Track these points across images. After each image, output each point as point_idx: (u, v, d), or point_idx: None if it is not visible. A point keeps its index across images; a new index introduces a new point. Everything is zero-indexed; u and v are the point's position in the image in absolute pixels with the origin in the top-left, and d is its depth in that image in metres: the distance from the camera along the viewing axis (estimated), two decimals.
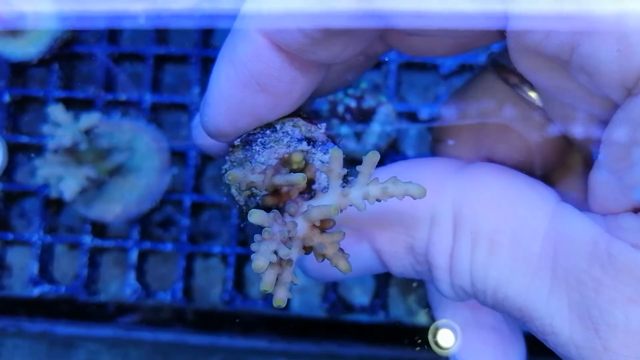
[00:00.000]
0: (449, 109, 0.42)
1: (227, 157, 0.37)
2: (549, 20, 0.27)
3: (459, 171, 0.33)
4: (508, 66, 0.39)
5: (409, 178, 0.32)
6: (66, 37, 0.85)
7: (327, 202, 0.32)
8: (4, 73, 0.87)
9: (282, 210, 0.33)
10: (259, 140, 0.35)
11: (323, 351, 0.77)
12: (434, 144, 0.44)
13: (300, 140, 0.35)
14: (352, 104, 0.78)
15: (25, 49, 0.84)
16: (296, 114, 0.36)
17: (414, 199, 0.30)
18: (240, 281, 0.82)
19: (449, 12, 0.28)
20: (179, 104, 0.86)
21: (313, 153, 0.35)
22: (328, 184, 0.33)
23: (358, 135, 0.78)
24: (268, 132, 0.35)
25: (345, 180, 0.33)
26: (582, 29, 0.26)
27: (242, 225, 0.78)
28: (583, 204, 0.31)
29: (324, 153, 0.35)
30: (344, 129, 0.78)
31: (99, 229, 0.84)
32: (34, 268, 0.82)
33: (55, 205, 0.85)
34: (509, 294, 0.30)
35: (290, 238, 0.32)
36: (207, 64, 0.87)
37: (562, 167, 0.42)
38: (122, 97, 0.86)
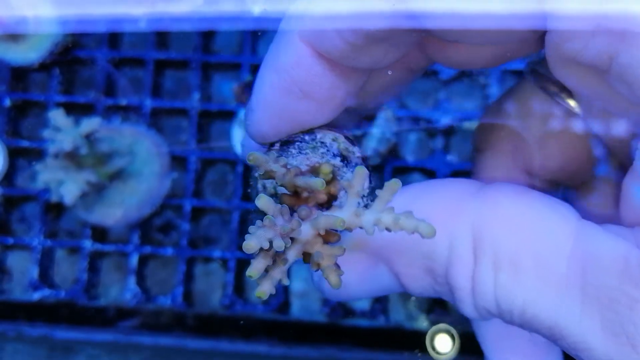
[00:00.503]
0: (488, 119, 0.42)
1: (265, 153, 0.38)
2: (588, 21, 0.26)
3: (477, 193, 0.33)
4: (547, 75, 0.38)
5: (428, 200, 0.33)
6: (67, 42, 0.85)
7: (339, 215, 0.32)
8: (4, 77, 0.87)
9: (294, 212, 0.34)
10: (297, 144, 0.36)
11: (323, 356, 0.77)
12: (474, 153, 0.44)
13: (335, 155, 0.35)
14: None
15: (26, 54, 0.85)
16: (339, 130, 0.37)
17: (422, 237, 0.30)
18: (240, 286, 0.82)
19: (484, 12, 0.28)
20: (179, 109, 0.86)
21: (343, 171, 0.35)
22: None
23: (358, 140, 0.79)
24: (307, 138, 0.36)
25: (371, 198, 0.33)
26: (621, 38, 0.26)
27: None
28: (612, 214, 0.31)
29: (348, 169, 0.35)
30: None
31: (99, 233, 0.84)
32: (34, 272, 0.82)
33: (55, 210, 0.85)
34: (537, 314, 0.30)
35: (292, 238, 0.32)
36: (207, 70, 0.87)
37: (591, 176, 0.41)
38: (123, 101, 0.86)
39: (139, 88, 0.87)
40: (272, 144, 0.37)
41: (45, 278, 0.83)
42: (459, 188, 0.34)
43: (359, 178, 0.32)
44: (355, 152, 0.36)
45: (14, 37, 0.84)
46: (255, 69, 0.85)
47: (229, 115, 0.85)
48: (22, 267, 0.84)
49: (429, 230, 0.30)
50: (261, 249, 0.30)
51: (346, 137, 0.36)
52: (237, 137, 0.83)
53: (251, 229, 0.30)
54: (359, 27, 0.30)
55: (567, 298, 0.29)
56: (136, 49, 0.89)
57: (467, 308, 0.33)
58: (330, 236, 0.32)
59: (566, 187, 0.42)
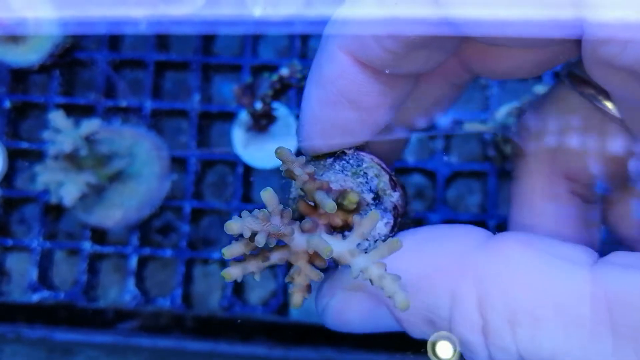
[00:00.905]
0: (526, 124, 0.42)
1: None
2: (627, 30, 0.26)
3: (481, 247, 0.32)
4: (583, 77, 0.38)
5: (431, 252, 0.33)
6: (67, 44, 0.85)
7: (333, 244, 0.32)
8: (4, 79, 0.87)
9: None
10: (343, 163, 0.36)
11: (322, 358, 0.77)
12: (513, 160, 0.43)
13: (370, 191, 0.35)
14: None
15: (26, 56, 0.85)
16: (389, 168, 0.37)
17: (394, 307, 0.30)
18: (239, 287, 0.82)
19: (521, 20, 0.28)
20: (179, 111, 0.86)
21: (370, 209, 0.35)
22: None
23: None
24: (353, 162, 0.36)
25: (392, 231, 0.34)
26: None
27: None
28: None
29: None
30: None
31: (99, 235, 0.84)
32: (34, 274, 0.82)
33: (55, 211, 0.85)
34: None
35: (285, 244, 0.32)
36: (207, 71, 0.87)
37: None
38: (123, 103, 0.86)
39: (139, 90, 0.87)
40: (323, 157, 0.37)
41: (45, 280, 0.83)
42: (463, 240, 0.33)
43: (369, 222, 0.32)
44: (392, 197, 0.36)
45: (14, 39, 0.84)
46: (255, 71, 0.85)
47: (229, 117, 0.85)
48: (22, 268, 0.84)
49: (403, 304, 0.30)
50: (243, 236, 0.30)
51: (391, 179, 0.36)
52: (237, 138, 0.83)
53: (244, 213, 0.30)
54: (398, 35, 0.30)
55: (597, 341, 0.28)
56: (136, 51, 0.89)
57: (479, 358, 0.32)
58: (316, 258, 0.33)
59: (606, 191, 0.42)
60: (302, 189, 0.33)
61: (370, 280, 0.31)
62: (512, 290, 0.30)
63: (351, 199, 0.34)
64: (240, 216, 0.30)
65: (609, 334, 0.28)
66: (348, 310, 0.36)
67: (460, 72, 0.37)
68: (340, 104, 0.33)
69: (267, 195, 0.31)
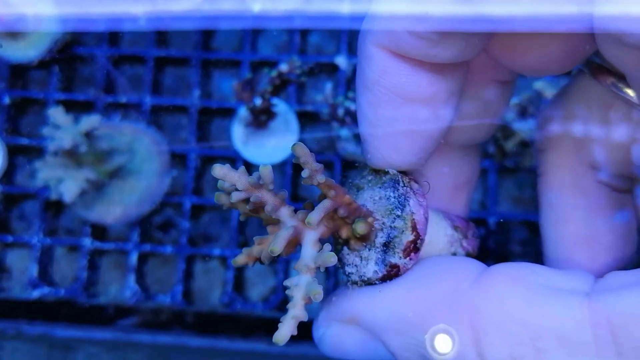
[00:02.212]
0: (548, 117, 0.41)
1: (357, 166, 0.37)
2: (634, 22, 0.26)
3: (473, 285, 0.32)
4: (602, 65, 0.37)
5: (424, 289, 0.32)
6: (66, 40, 0.85)
7: (304, 251, 0.33)
8: (4, 75, 0.87)
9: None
10: (387, 193, 0.34)
11: (322, 354, 0.77)
12: (537, 153, 0.43)
13: (386, 236, 0.34)
14: (352, 107, 0.78)
15: (26, 51, 0.84)
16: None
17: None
18: (239, 284, 0.82)
19: (542, 16, 0.27)
20: (179, 107, 0.86)
21: (369, 246, 0.34)
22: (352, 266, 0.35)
23: (357, 137, 0.78)
24: (396, 199, 0.34)
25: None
26: None
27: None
28: None
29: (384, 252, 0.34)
30: (344, 132, 0.78)
31: (99, 231, 0.84)
32: (34, 270, 0.82)
33: (55, 208, 0.85)
34: None
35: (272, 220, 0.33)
36: (207, 67, 0.87)
37: None
38: (123, 99, 0.86)
39: (138, 85, 0.87)
40: (382, 173, 0.35)
41: (45, 276, 0.83)
42: (457, 276, 0.33)
43: (323, 260, 0.32)
44: (400, 259, 0.34)
45: (14, 35, 0.84)
46: (255, 66, 0.85)
47: (229, 113, 0.85)
48: (22, 265, 0.84)
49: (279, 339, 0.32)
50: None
51: (414, 243, 0.34)
52: (237, 134, 0.83)
53: (237, 170, 0.33)
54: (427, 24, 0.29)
55: None
56: (136, 47, 0.88)
57: None
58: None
59: (634, 179, 0.41)
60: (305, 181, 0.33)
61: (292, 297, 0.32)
62: (510, 326, 0.30)
63: (358, 230, 0.33)
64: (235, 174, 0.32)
65: (615, 357, 0.28)
66: (344, 341, 0.36)
67: (497, 68, 0.37)
68: (392, 101, 0.32)
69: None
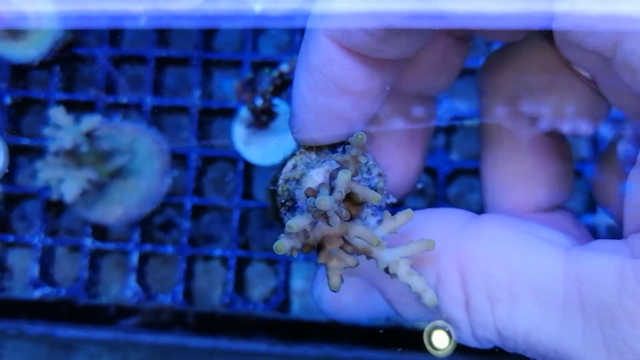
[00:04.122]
0: (492, 67, 0.42)
1: (301, 146, 0.38)
2: (593, 20, 0.27)
3: (462, 228, 0.34)
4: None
5: (418, 232, 0.34)
6: (67, 39, 0.85)
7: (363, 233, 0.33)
8: (5, 75, 0.87)
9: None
10: (345, 149, 0.36)
11: (323, 354, 0.77)
12: (480, 104, 0.44)
13: (371, 188, 0.35)
14: None
15: (27, 51, 0.84)
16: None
17: (425, 304, 0.32)
18: (240, 284, 0.82)
19: (498, 12, 0.28)
20: (180, 107, 0.86)
21: (367, 205, 0.36)
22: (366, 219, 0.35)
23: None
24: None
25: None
26: (625, 24, 0.26)
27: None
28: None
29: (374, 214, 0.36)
30: None
31: (100, 231, 0.84)
32: (35, 270, 0.82)
33: (56, 208, 0.85)
34: (541, 339, 0.30)
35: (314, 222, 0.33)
36: (208, 67, 0.87)
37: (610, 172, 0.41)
38: (123, 99, 0.86)
39: (139, 85, 0.87)
40: (322, 148, 0.37)
41: (46, 276, 0.83)
42: (448, 222, 0.35)
43: (405, 217, 0.33)
44: (388, 198, 0.37)
45: (14, 34, 0.84)
46: (256, 67, 0.85)
47: (229, 113, 0.85)
48: (23, 265, 0.84)
49: (432, 301, 0.32)
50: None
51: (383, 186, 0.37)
52: (238, 134, 0.83)
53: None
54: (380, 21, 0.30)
55: (568, 320, 0.29)
56: (137, 47, 0.88)
57: (466, 337, 0.34)
58: (347, 245, 0.33)
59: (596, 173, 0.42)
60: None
61: (395, 275, 0.32)
62: (492, 268, 0.31)
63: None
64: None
65: (579, 314, 0.29)
66: (342, 294, 0.37)
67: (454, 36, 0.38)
68: (329, 90, 0.33)
69: (358, 140, 0.32)
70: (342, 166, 0.34)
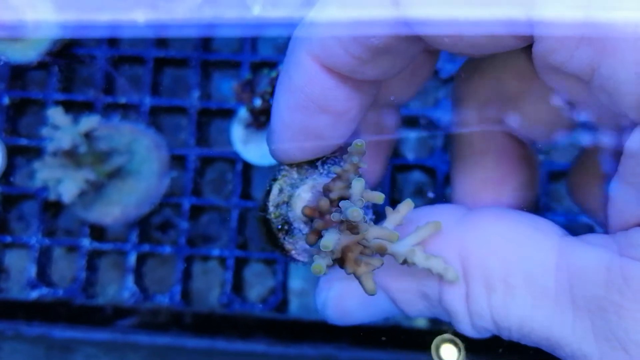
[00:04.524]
0: (464, 73, 0.43)
1: (281, 168, 0.39)
2: (572, 28, 0.28)
3: (460, 220, 0.35)
4: None
5: (419, 224, 0.35)
6: (66, 40, 0.85)
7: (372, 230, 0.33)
8: (3, 75, 0.87)
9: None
10: (327, 167, 0.37)
11: (321, 355, 0.76)
12: (453, 104, 0.45)
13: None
14: None
15: (25, 52, 0.84)
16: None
17: (448, 281, 0.33)
18: (238, 284, 0.82)
19: (475, 19, 0.29)
20: (178, 107, 0.86)
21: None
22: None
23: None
24: (336, 165, 0.37)
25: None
26: (602, 49, 0.27)
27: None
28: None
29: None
30: None
31: (98, 231, 0.84)
32: (32, 271, 0.82)
33: (53, 208, 0.85)
34: (534, 328, 0.32)
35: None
36: (206, 68, 0.87)
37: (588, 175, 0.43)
38: (122, 100, 0.86)
39: (138, 86, 0.87)
40: (301, 164, 0.38)
41: (43, 277, 0.83)
42: (444, 216, 0.36)
43: (406, 207, 0.34)
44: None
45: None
46: (255, 67, 0.85)
47: (228, 114, 0.85)
48: (20, 265, 0.84)
49: (455, 276, 0.33)
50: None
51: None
52: (237, 135, 0.83)
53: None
54: (362, 40, 0.31)
55: (559, 311, 0.31)
56: (135, 47, 0.88)
57: (465, 328, 0.35)
58: (365, 249, 0.34)
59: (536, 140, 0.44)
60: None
61: (414, 263, 0.33)
62: (489, 259, 0.33)
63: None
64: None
65: (570, 306, 0.31)
66: (346, 298, 0.38)
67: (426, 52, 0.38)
68: (309, 109, 0.34)
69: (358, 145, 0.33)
70: (341, 176, 0.34)
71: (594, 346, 0.30)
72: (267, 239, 0.39)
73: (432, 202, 0.82)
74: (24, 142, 0.85)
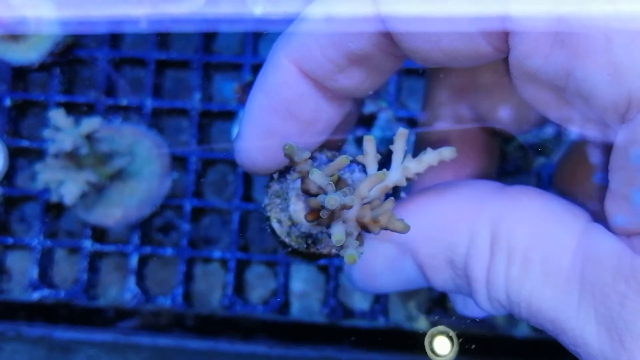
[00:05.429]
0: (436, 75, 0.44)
1: (267, 191, 0.40)
2: (546, 22, 0.28)
3: (498, 192, 0.35)
4: None
5: (453, 196, 0.35)
6: (67, 42, 0.85)
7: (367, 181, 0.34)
8: (5, 77, 0.87)
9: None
10: (291, 171, 0.38)
11: (322, 357, 0.77)
12: (427, 90, 0.45)
13: (328, 162, 0.38)
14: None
15: (27, 54, 0.85)
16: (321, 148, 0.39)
17: (446, 161, 0.33)
18: (240, 286, 0.82)
19: (449, 16, 0.29)
20: (179, 109, 0.86)
21: (341, 173, 0.37)
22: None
23: (359, 141, 0.79)
24: (322, 162, 0.38)
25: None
26: (576, 53, 0.27)
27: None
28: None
29: (351, 172, 0.37)
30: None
31: (99, 233, 0.84)
32: (34, 272, 0.82)
33: (55, 210, 0.85)
34: (541, 307, 0.32)
35: (344, 221, 0.34)
36: (208, 70, 0.87)
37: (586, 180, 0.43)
38: (123, 102, 0.86)
39: (139, 88, 0.87)
40: (271, 178, 0.39)
41: (45, 278, 0.83)
42: (482, 187, 0.36)
43: (370, 143, 0.35)
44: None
45: (15, 37, 0.84)
46: (256, 69, 0.85)
47: (229, 116, 0.85)
48: (22, 267, 0.84)
49: (451, 153, 0.34)
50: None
51: (330, 149, 0.39)
52: None
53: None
54: (340, 45, 0.32)
55: (566, 292, 0.31)
56: (137, 49, 0.89)
57: (481, 299, 0.35)
58: (373, 203, 0.34)
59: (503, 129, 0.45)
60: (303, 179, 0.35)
61: (417, 173, 0.34)
62: (517, 230, 0.33)
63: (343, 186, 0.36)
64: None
65: (577, 287, 0.30)
66: (374, 261, 0.38)
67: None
68: (280, 112, 0.35)
69: (316, 175, 0.33)
70: (300, 173, 0.34)
71: (595, 335, 0.30)
72: (309, 260, 0.41)
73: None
74: (25, 143, 0.86)
